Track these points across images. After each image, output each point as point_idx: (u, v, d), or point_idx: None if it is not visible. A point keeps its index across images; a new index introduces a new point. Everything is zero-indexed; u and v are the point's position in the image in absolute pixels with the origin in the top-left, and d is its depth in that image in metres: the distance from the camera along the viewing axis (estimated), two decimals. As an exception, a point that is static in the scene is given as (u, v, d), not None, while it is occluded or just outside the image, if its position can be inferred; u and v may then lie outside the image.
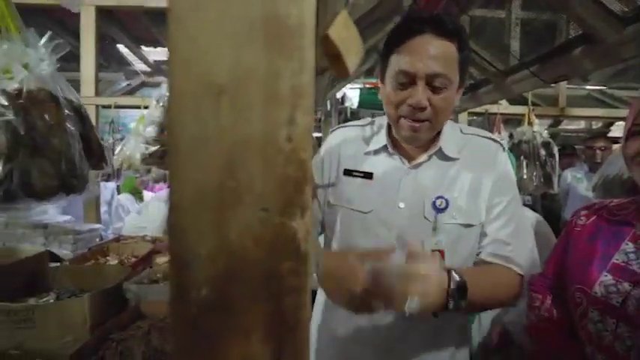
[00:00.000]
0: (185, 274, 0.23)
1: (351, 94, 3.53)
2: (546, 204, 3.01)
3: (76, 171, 0.75)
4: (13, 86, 0.67)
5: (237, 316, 0.22)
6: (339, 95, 3.64)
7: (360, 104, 3.54)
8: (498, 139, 0.83)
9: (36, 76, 0.71)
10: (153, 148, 0.83)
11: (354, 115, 3.49)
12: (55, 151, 0.69)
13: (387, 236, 0.76)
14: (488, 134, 0.84)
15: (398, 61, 0.70)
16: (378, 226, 0.77)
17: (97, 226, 1.87)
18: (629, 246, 0.74)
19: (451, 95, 0.72)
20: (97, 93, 1.89)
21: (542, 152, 2.20)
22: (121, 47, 3.14)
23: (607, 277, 0.73)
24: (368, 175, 0.79)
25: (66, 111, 0.74)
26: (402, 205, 0.76)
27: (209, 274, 0.23)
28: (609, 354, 0.69)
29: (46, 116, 0.69)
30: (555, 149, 2.28)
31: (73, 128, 0.75)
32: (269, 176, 0.22)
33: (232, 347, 0.23)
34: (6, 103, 0.62)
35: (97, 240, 1.87)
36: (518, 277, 0.76)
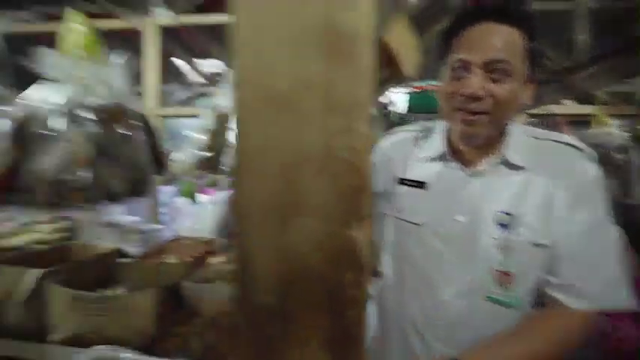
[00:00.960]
0: (249, 280, 0.24)
1: (397, 98, 3.44)
2: (627, 214, 2.67)
3: (144, 177, 0.83)
4: (96, 103, 0.76)
5: (297, 324, 0.23)
6: (384, 100, 3.57)
7: (410, 109, 3.42)
8: (580, 145, 0.72)
9: (113, 92, 0.80)
10: (205, 155, 0.90)
11: (403, 120, 3.37)
12: (127, 159, 0.76)
13: (443, 251, 0.71)
14: (567, 139, 0.73)
15: (454, 51, 0.66)
16: (432, 239, 0.72)
17: (158, 226, 2.03)
18: None
19: (515, 86, 0.64)
20: (160, 105, 2.07)
21: (618, 157, 1.96)
22: (176, 60, 3.41)
23: None
24: (421, 184, 0.75)
25: (136, 122, 0.82)
26: (460, 218, 0.70)
27: (271, 281, 0.24)
28: None
29: (121, 128, 0.77)
30: (637, 153, 2.01)
31: (141, 138, 0.83)
32: (329, 185, 0.23)
33: (292, 353, 0.23)
34: (92, 118, 0.71)
35: (158, 239, 2.04)
36: (583, 316, 0.66)
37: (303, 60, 0.22)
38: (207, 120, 0.91)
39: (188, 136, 1.81)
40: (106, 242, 1.81)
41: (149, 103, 2.10)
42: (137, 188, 0.79)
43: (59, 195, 0.65)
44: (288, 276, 0.23)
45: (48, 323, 1.21)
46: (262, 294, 0.23)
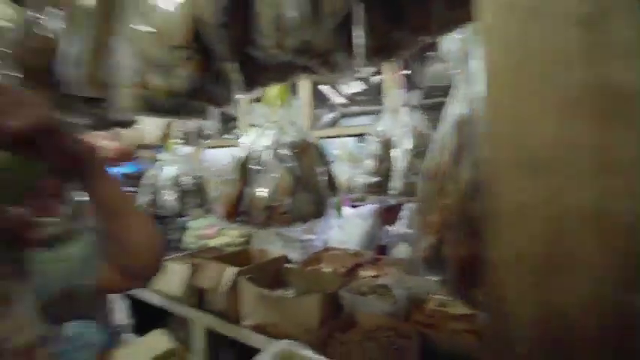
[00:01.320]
0: (502, 329, 0.26)
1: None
2: None
3: (323, 199, 0.95)
4: (289, 140, 0.93)
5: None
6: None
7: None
8: None
9: (297, 129, 0.96)
10: (373, 179, 0.98)
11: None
12: (313, 185, 0.89)
13: None
14: None
15: None
16: None
17: (313, 236, 2.29)
18: None
19: None
20: (311, 128, 2.35)
21: None
22: (322, 87, 3.80)
23: None
24: None
25: (316, 152, 0.96)
26: None
27: (527, 335, 0.25)
28: None
29: (308, 160, 0.91)
30: None
31: (320, 166, 0.96)
32: (601, 249, 0.22)
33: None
34: (289, 153, 0.87)
35: (312, 248, 2.29)
36: None
37: (570, 122, 0.22)
38: (372, 145, 1.01)
39: (339, 155, 1.99)
40: (274, 248, 2.16)
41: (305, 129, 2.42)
42: (319, 209, 0.92)
43: (269, 217, 0.83)
44: (548, 334, 0.23)
45: (241, 311, 1.53)
46: (515, 346, 0.24)
